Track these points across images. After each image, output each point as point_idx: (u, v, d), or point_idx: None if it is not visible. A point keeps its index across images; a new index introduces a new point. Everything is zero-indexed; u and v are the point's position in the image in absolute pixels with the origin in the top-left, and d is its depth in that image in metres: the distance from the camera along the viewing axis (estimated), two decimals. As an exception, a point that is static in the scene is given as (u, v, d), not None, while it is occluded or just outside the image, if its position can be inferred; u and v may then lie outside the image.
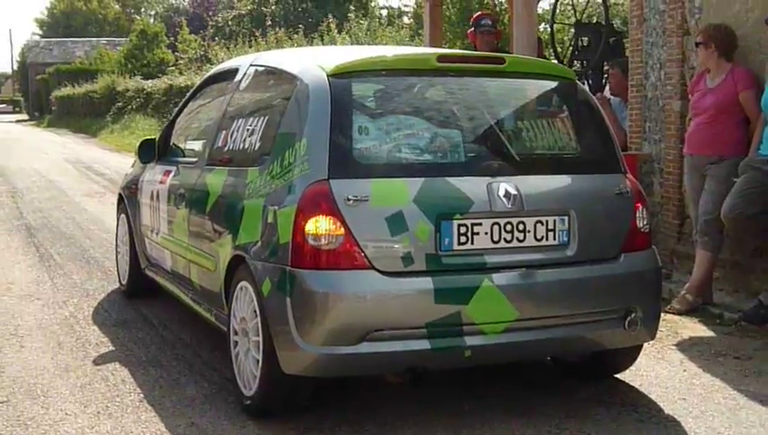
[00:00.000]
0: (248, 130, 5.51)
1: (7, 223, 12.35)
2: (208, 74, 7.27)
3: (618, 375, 5.56)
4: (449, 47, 21.65)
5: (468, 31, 10.23)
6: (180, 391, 5.31)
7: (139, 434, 4.67)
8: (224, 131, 5.94)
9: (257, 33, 28.87)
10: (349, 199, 4.45)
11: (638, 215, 5.10)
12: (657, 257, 5.26)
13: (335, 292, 4.43)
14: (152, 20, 66.44)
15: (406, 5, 41.56)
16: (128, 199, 7.79)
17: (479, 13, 10.60)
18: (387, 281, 4.46)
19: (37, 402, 5.15)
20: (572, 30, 13.73)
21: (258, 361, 4.75)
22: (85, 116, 44.92)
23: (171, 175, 6.63)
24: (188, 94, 7.42)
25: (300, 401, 4.85)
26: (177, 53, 46.97)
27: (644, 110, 8.81)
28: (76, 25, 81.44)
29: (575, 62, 12.79)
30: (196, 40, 46.19)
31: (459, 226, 4.58)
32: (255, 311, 4.78)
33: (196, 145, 6.66)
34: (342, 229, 4.43)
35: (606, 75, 11.70)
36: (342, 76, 4.82)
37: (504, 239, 4.68)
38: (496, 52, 8.48)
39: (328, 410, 4.92)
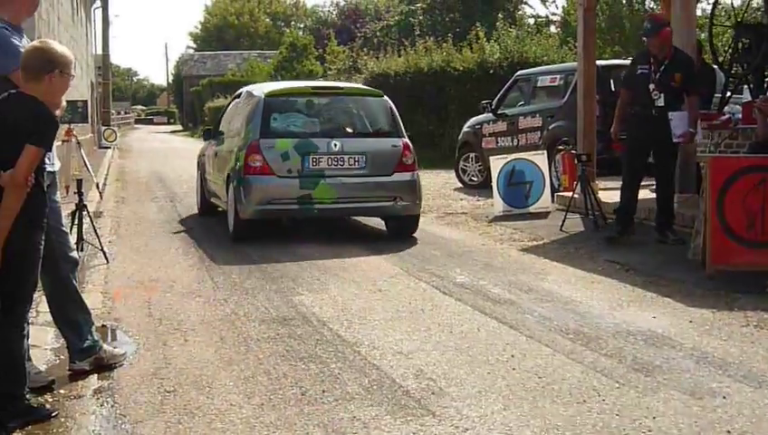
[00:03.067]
0: (238, 119, 11.90)
1: (167, 225, 12.75)
2: (235, 94, 13.69)
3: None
4: (599, 54, 21.32)
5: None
6: (341, 386, 5.36)
7: (303, 426, 4.72)
8: (231, 121, 12.51)
9: (406, 43, 28.97)
10: (267, 147, 10.61)
11: (403, 157, 11.00)
12: (415, 174, 11.05)
13: (258, 184, 10.58)
14: (301, 32, 67.43)
15: (554, 14, 41.08)
16: (199, 161, 14.41)
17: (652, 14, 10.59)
18: (279, 180, 10.58)
19: (203, 393, 5.27)
20: (729, 33, 13.33)
21: (233, 214, 10.94)
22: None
23: (215, 145, 13.00)
24: (227, 103, 14.20)
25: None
26: (325, 65, 47.62)
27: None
28: (228, 39, 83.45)
29: (734, 64, 12.41)
30: (344, 51, 46.74)
31: (312, 158, 10.65)
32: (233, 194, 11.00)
33: (225, 129, 12.87)
34: (262, 159, 10.57)
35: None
36: (271, 96, 11.30)
37: (334, 165, 10.71)
38: (668, 53, 10.01)
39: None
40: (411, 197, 10.91)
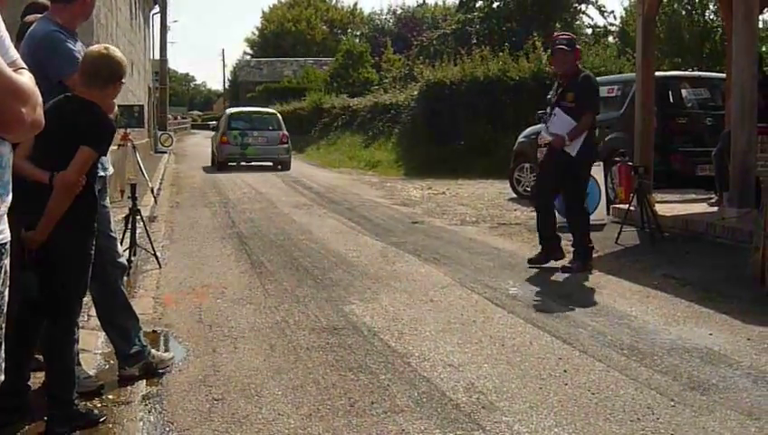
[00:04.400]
0: (221, 122, 31.14)
1: (220, 231, 12.78)
2: (223, 111, 37.82)
3: None
4: (657, 65, 21.05)
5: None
6: (390, 398, 5.29)
7: (351, 438, 4.67)
8: (219, 123, 31.93)
9: (462, 51, 28.92)
10: (228, 134, 28.85)
11: (282, 138, 29.14)
12: (287, 145, 29.40)
13: (224, 148, 28.79)
14: (358, 40, 67.52)
15: (612, 24, 40.81)
16: (212, 140, 32.16)
17: (557, 33, 10.46)
18: (232, 146, 28.73)
19: (251, 402, 5.24)
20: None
21: (216, 160, 29.47)
22: (292, 133, 46.14)
23: (216, 133, 31.17)
24: (221, 117, 32.99)
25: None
26: (381, 73, 47.70)
27: None
28: (285, 46, 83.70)
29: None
30: (400, 59, 46.75)
31: (245, 138, 28.86)
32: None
33: (218, 126, 31.56)
34: (227, 139, 28.72)
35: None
36: (232, 114, 31.28)
37: (254, 141, 28.96)
38: (572, 70, 9.64)
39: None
40: (284, 154, 28.58)
